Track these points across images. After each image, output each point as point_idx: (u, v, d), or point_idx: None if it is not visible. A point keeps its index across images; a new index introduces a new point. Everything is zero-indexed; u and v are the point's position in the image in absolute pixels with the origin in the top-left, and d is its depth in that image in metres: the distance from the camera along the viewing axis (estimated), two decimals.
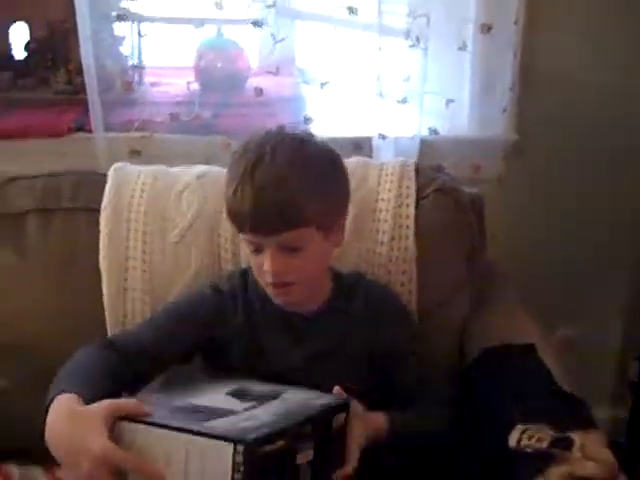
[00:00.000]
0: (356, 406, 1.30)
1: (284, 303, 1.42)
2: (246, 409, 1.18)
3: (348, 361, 1.45)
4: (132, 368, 1.36)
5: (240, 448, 1.02)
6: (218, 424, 1.10)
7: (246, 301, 1.46)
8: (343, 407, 1.26)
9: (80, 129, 1.98)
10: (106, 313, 1.59)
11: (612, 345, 2.30)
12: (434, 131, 2.00)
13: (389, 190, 1.65)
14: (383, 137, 1.94)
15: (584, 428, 1.30)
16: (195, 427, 1.07)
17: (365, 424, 1.30)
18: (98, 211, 1.63)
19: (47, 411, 1.18)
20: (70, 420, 1.14)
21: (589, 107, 2.04)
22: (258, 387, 1.31)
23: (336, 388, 1.29)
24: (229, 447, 1.03)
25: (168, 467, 1.07)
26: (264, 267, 1.34)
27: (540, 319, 1.69)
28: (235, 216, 1.35)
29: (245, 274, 1.49)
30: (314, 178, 1.33)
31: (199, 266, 1.60)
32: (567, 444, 1.26)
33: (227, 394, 1.27)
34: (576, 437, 1.27)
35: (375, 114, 1.95)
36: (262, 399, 1.24)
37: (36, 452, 1.53)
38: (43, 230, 1.65)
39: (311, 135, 1.42)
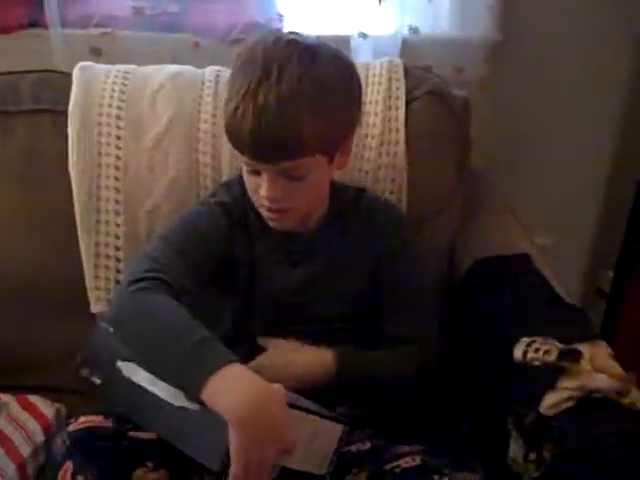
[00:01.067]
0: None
1: (279, 228, 1.32)
2: None
3: (345, 281, 1.37)
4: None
5: (347, 428, 1.20)
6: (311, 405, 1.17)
7: (247, 219, 1.36)
8: None
9: (33, 25, 1.81)
10: (77, 223, 1.49)
11: (583, 254, 2.27)
12: (415, 30, 1.88)
13: (377, 92, 1.57)
14: (363, 36, 1.83)
15: (589, 340, 1.26)
16: (314, 408, 1.16)
17: None
18: (64, 113, 1.51)
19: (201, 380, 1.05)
20: (265, 401, 1.04)
21: (583, 3, 1.94)
22: None
23: None
24: (341, 427, 1.19)
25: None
26: (261, 192, 1.24)
27: None
28: (233, 136, 1.22)
29: (243, 185, 1.36)
30: (323, 101, 1.19)
31: (176, 172, 1.50)
32: (575, 356, 1.22)
33: None
34: (583, 349, 1.23)
35: (354, 10, 1.83)
36: None
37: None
38: (3, 135, 1.52)
39: (324, 46, 1.24)
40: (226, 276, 1.35)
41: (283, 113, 1.15)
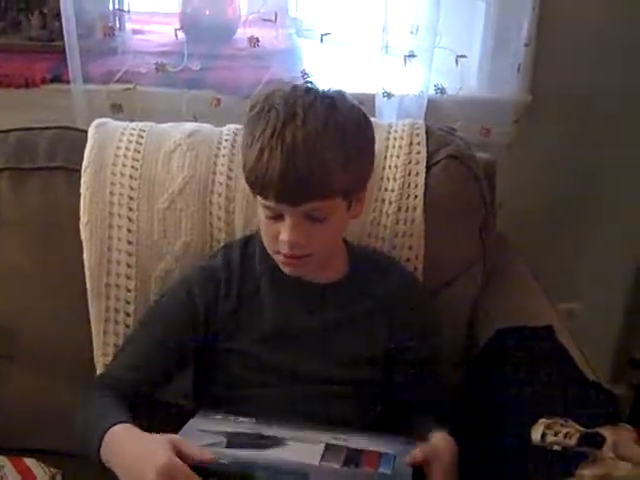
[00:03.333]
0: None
1: (294, 274, 1.31)
2: None
3: (364, 332, 1.35)
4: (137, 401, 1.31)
5: None
6: None
7: (248, 272, 1.36)
8: None
9: (56, 80, 1.82)
10: (87, 284, 1.45)
11: (613, 321, 2.19)
12: (441, 90, 1.85)
13: (397, 156, 1.52)
14: (388, 95, 1.80)
15: (613, 423, 1.19)
16: None
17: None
18: (78, 171, 1.48)
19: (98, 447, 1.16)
20: (136, 440, 1.14)
21: (613, 67, 1.88)
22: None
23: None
24: None
25: None
26: (281, 236, 1.24)
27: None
28: (258, 181, 1.22)
29: (248, 243, 1.39)
30: (346, 145, 1.21)
31: (189, 236, 1.47)
32: (597, 441, 1.15)
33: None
34: (607, 433, 1.16)
35: (379, 69, 1.80)
36: None
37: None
38: (17, 191, 1.49)
39: (342, 95, 1.28)
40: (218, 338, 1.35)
41: (312, 153, 1.17)
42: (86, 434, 1.20)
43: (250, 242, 1.39)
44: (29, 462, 1.39)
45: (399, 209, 1.50)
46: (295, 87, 1.26)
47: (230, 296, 1.34)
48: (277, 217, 1.24)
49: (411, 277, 1.46)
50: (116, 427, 1.16)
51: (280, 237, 1.23)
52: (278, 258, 1.29)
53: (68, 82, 1.77)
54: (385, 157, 1.52)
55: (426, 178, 1.51)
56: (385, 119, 1.75)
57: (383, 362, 1.35)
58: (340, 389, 1.33)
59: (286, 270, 1.30)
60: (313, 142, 1.17)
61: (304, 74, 1.82)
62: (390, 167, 1.51)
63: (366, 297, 1.36)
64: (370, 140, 1.31)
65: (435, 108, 1.82)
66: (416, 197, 1.50)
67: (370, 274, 1.39)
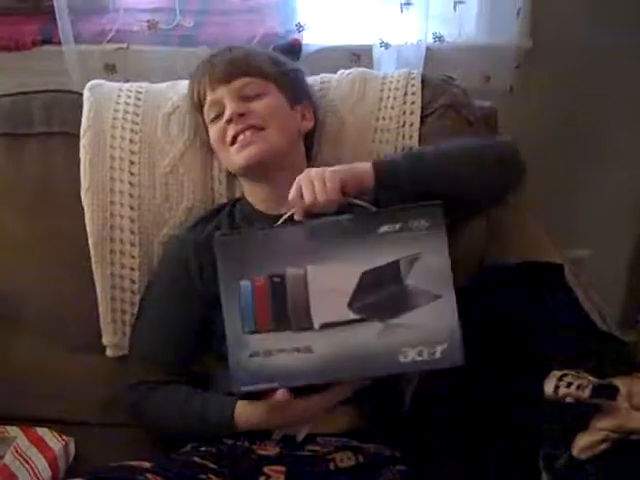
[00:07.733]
0: None
1: (250, 155, 1.31)
2: None
3: None
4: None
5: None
6: None
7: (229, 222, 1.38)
8: None
9: (47, 41, 1.78)
10: (91, 251, 1.44)
11: (623, 268, 2.18)
12: (439, 38, 1.81)
13: (392, 107, 1.49)
14: (385, 45, 1.76)
15: (627, 373, 1.18)
16: None
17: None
18: (76, 136, 1.46)
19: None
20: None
21: (614, 10, 1.84)
22: None
23: None
24: None
25: None
26: (225, 117, 1.32)
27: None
28: (196, 89, 1.37)
29: (235, 203, 1.42)
30: (273, 59, 1.41)
31: (192, 201, 1.45)
32: (611, 392, 1.15)
33: None
34: (620, 384, 1.16)
35: (375, 19, 1.76)
36: None
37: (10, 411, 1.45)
38: (14, 158, 1.49)
39: None
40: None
41: (247, 50, 1.42)
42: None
43: (235, 203, 1.42)
44: (41, 432, 1.38)
45: None
46: None
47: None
48: (221, 115, 1.33)
49: None
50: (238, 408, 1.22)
51: (224, 117, 1.32)
52: (234, 150, 1.32)
53: (59, 43, 1.73)
54: (379, 108, 1.50)
55: (421, 128, 1.49)
56: (383, 70, 1.72)
57: None
58: None
59: (243, 155, 1.31)
60: (248, 50, 1.43)
61: (299, 27, 1.78)
62: (384, 118, 1.49)
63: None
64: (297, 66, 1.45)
65: (434, 57, 1.78)
66: (411, 149, 1.47)
67: None
